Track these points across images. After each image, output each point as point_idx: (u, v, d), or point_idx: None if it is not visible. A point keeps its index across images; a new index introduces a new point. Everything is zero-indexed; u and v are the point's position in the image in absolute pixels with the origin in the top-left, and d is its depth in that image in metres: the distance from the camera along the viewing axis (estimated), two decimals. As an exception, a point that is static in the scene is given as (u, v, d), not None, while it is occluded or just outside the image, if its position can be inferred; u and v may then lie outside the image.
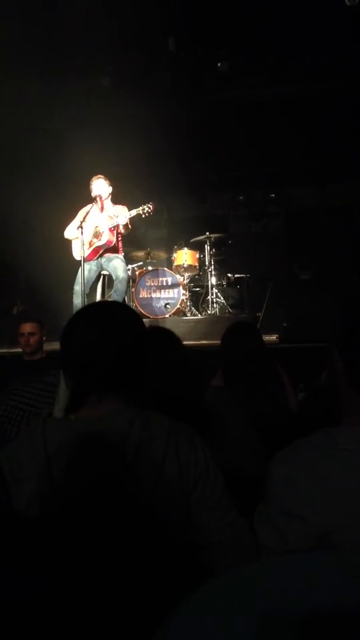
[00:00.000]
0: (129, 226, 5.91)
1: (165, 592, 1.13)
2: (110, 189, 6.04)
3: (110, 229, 5.82)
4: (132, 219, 5.88)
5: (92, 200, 5.91)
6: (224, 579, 0.55)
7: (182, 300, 6.93)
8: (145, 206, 5.80)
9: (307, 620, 0.47)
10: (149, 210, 5.80)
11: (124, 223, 5.81)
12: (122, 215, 5.82)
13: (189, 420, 1.41)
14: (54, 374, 2.30)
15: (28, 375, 2.51)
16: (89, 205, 5.88)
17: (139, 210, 5.81)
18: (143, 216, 5.85)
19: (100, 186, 5.96)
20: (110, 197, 6.06)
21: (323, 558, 0.60)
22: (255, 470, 1.54)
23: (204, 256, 7.41)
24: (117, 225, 5.85)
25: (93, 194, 5.93)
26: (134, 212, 5.81)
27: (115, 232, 5.90)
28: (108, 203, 6.03)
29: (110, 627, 1.07)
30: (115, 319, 1.39)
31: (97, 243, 5.82)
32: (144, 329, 1.48)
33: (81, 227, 5.46)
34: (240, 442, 1.84)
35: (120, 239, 6.05)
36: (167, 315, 6.75)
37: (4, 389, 2.39)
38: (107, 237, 5.80)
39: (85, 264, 5.62)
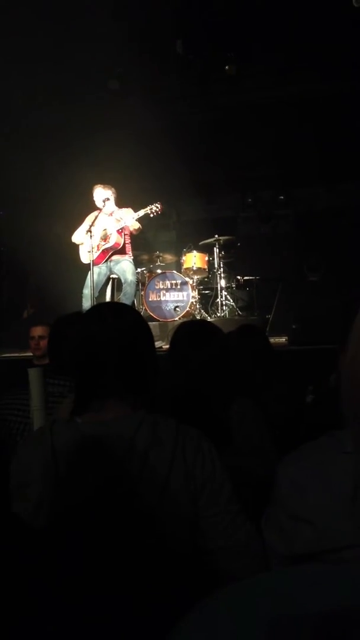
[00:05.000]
0: (138, 225, 5.91)
1: (173, 597, 1.12)
2: (110, 193, 6.03)
3: (118, 231, 5.84)
4: (141, 220, 5.87)
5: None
6: (235, 586, 0.55)
7: (192, 302, 6.93)
8: (152, 206, 5.78)
9: (319, 624, 0.48)
10: (157, 210, 5.78)
11: (132, 223, 5.81)
12: (128, 216, 5.82)
13: (207, 425, 1.40)
14: (45, 381, 2.27)
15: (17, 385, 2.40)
16: (97, 211, 5.90)
17: (147, 210, 5.79)
18: (151, 215, 5.83)
19: (100, 194, 5.98)
20: (114, 201, 6.07)
21: (333, 568, 0.60)
22: (266, 474, 1.53)
23: (213, 259, 7.39)
24: (125, 227, 5.86)
25: (98, 200, 5.94)
26: (141, 212, 5.81)
27: (122, 233, 5.92)
28: (113, 206, 6.04)
29: (117, 634, 1.07)
30: (120, 319, 1.38)
31: (105, 245, 5.85)
32: (149, 330, 1.47)
33: (90, 232, 5.48)
34: (255, 449, 1.83)
35: (128, 241, 6.06)
36: (176, 318, 6.74)
37: None
38: (114, 239, 5.82)
39: (95, 267, 5.64)
